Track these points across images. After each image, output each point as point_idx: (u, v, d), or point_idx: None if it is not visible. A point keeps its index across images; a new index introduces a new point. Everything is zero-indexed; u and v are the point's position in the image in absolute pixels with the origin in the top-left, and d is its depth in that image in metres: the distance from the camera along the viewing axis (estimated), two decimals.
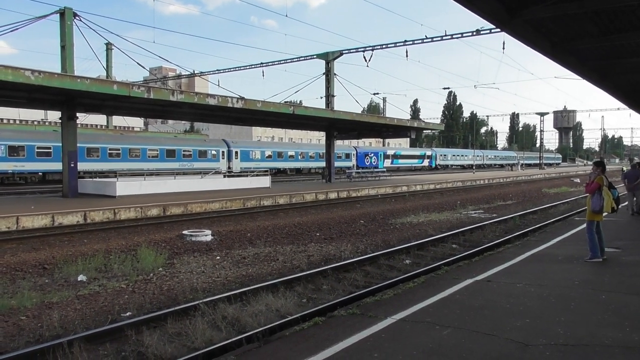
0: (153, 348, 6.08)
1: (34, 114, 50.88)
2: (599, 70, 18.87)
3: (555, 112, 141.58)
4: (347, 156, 59.99)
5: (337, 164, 39.40)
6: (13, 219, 15.07)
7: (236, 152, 48.32)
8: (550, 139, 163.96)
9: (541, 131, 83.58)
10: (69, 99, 20.69)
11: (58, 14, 24.24)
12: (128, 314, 7.63)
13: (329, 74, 36.35)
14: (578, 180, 49.60)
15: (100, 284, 9.40)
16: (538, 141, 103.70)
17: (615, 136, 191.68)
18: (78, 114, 22.80)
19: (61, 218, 16.12)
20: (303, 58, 38.47)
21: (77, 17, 24.42)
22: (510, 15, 11.54)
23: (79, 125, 23.92)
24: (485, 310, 6.18)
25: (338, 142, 43.68)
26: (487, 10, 10.94)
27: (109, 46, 44.68)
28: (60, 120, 22.70)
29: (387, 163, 64.52)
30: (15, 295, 8.49)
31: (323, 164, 47.88)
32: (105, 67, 41.67)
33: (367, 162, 61.97)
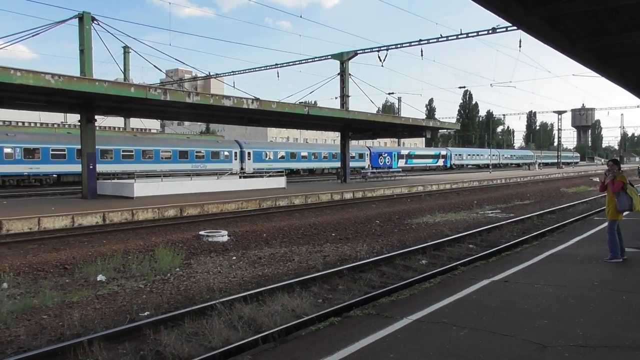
0: (171, 347, 6.14)
1: (54, 117, 51.61)
2: (617, 67, 18.62)
3: (573, 111, 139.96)
4: (361, 156, 59.86)
5: (350, 164, 39.39)
6: (35, 220, 15.32)
7: (249, 153, 48.52)
8: (569, 137, 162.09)
9: (559, 130, 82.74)
10: (87, 101, 20.97)
11: (77, 19, 24.56)
12: (146, 313, 7.72)
13: (343, 74, 36.34)
14: (597, 179, 48.88)
15: (119, 283, 9.53)
16: (556, 140, 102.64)
17: (636, 134, 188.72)
18: (96, 117, 23.12)
19: (81, 219, 16.35)
20: (318, 58, 38.55)
21: (95, 22, 24.72)
22: (527, 12, 11.43)
23: (97, 128, 24.23)
24: (502, 311, 6.13)
25: (352, 142, 43.66)
26: (503, 8, 10.85)
27: (126, 49, 45.22)
28: (79, 123, 23.02)
29: (402, 163, 64.23)
30: (37, 294, 8.64)
31: (336, 164, 47.96)
32: (122, 70, 42.09)
33: (381, 162, 61.77)
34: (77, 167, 27.11)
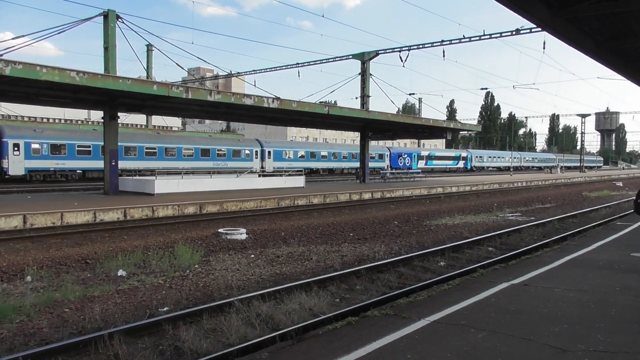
0: (189, 343, 6.21)
1: (78, 114, 52.46)
2: None
3: (597, 114, 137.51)
4: (381, 157, 59.67)
5: (370, 164, 39.31)
6: (58, 215, 15.61)
7: (269, 152, 48.73)
8: (592, 141, 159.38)
9: (582, 133, 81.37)
10: (111, 98, 21.30)
11: (102, 17, 24.96)
12: (165, 309, 7.81)
13: (364, 74, 36.28)
14: (620, 183, 48.05)
15: (139, 279, 9.65)
16: (579, 143, 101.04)
17: None
18: (119, 114, 23.44)
19: (102, 215, 16.60)
20: (339, 58, 38.56)
21: (119, 20, 25.09)
22: (553, 14, 11.30)
23: (119, 125, 24.58)
24: (521, 314, 6.07)
25: (372, 143, 43.54)
26: (528, 9, 10.74)
27: (149, 47, 45.85)
28: (102, 120, 23.39)
29: (421, 164, 63.87)
30: (60, 288, 8.80)
31: (356, 164, 47.89)
32: (145, 67, 42.78)
33: (401, 162, 61.49)
34: (102, 164, 27.57)
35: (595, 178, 59.26)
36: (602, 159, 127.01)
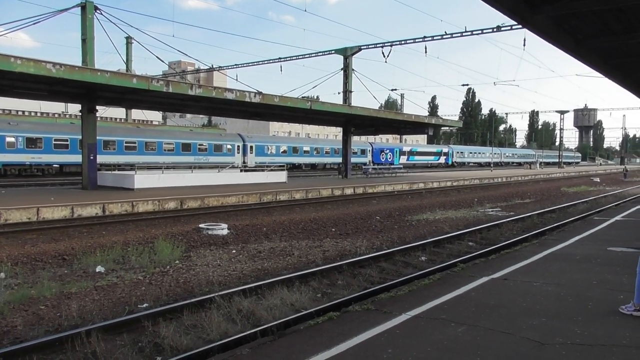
0: (169, 339, 6.13)
1: (55, 107, 51.44)
2: (622, 68, 18.58)
3: (575, 111, 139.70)
4: (363, 152, 59.83)
5: (352, 160, 39.36)
6: (34, 210, 15.32)
7: (251, 147, 48.50)
8: (570, 137, 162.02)
9: (561, 129, 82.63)
10: (89, 91, 20.94)
11: (79, 7, 24.51)
12: (145, 305, 7.71)
13: (347, 70, 36.29)
14: (598, 179, 48.91)
15: (118, 275, 9.52)
16: (558, 139, 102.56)
17: (637, 135, 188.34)
18: (98, 107, 23.07)
19: (80, 210, 16.34)
20: (321, 53, 38.56)
21: (98, 11, 24.68)
22: (533, 11, 11.40)
23: (98, 118, 24.20)
24: (501, 308, 6.13)
25: (354, 138, 43.63)
26: (509, 6, 10.80)
27: (129, 40, 45.19)
28: (80, 113, 23.00)
29: (403, 159, 64.17)
30: (35, 285, 8.63)
31: (338, 159, 47.95)
32: (125, 60, 42.11)
33: (383, 158, 61.69)
34: (80, 158, 27.12)
35: (573, 174, 60.26)
36: (580, 155, 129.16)
